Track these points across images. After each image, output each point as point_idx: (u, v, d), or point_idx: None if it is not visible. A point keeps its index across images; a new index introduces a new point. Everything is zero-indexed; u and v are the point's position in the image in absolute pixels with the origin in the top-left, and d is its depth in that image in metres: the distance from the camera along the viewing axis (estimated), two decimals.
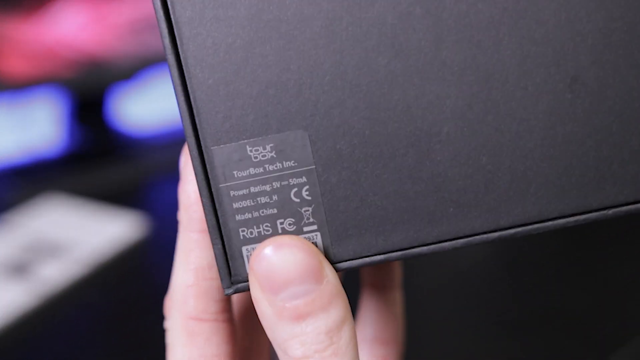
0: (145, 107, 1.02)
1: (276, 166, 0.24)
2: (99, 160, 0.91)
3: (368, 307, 0.33)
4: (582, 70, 0.24)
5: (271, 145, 0.24)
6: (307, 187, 0.24)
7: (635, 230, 0.71)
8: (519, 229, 0.24)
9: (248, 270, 0.24)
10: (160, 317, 0.63)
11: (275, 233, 0.24)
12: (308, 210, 0.24)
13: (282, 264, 0.23)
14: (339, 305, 0.24)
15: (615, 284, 0.63)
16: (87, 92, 0.92)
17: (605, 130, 0.24)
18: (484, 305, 0.62)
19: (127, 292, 0.68)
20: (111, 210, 0.80)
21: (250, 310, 0.31)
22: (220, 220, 0.24)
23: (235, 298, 0.31)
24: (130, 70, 0.90)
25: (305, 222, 0.24)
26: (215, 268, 0.27)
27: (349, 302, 0.24)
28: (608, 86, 0.24)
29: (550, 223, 0.24)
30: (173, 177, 0.90)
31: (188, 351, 0.27)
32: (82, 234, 0.75)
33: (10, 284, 0.67)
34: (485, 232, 0.24)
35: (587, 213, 0.24)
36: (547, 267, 0.67)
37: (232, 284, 0.25)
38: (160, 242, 0.75)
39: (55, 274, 0.69)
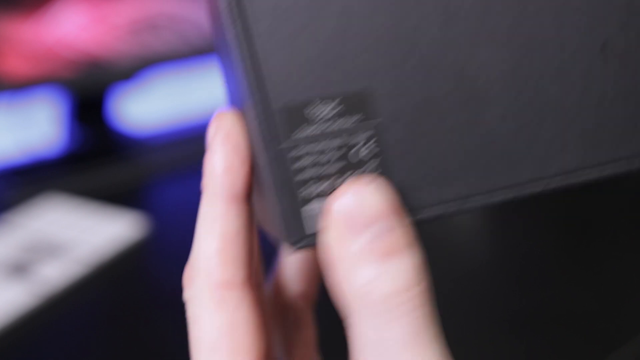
0: (145, 107, 1.02)
1: (339, 123, 0.25)
2: (99, 160, 0.91)
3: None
4: (611, 37, 0.27)
5: (334, 102, 0.25)
6: (370, 141, 0.25)
7: (636, 228, 0.71)
8: (562, 177, 0.27)
9: (325, 217, 0.24)
10: (160, 317, 0.63)
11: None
12: (372, 165, 0.25)
13: (367, 201, 0.23)
14: (419, 247, 0.24)
15: (616, 283, 0.63)
16: (87, 92, 0.92)
17: (632, 90, 0.27)
18: (485, 303, 0.62)
19: (127, 292, 0.68)
20: (111, 210, 0.80)
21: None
22: (283, 178, 0.25)
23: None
24: (130, 70, 0.90)
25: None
26: (241, 234, 0.26)
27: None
28: (634, 51, 0.27)
29: (587, 170, 0.27)
30: (173, 177, 0.90)
31: (217, 318, 0.26)
32: (82, 234, 0.75)
33: (10, 284, 0.67)
34: (533, 181, 0.27)
35: (617, 161, 0.27)
36: (548, 266, 0.67)
37: (299, 240, 0.25)
38: (160, 242, 0.75)
39: (55, 274, 0.68)
